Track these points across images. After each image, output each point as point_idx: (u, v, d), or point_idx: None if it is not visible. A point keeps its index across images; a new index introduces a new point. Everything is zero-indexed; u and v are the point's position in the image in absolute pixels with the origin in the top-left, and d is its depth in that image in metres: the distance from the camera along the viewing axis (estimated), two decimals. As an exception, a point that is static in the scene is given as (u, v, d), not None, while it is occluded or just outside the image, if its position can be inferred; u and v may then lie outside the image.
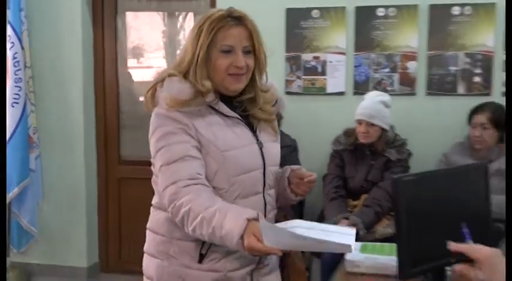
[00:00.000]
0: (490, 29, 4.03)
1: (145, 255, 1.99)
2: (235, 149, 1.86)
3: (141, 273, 1.98)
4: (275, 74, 4.24)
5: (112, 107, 4.91)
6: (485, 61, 4.07)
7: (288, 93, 4.27)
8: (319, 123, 4.16)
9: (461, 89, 4.13)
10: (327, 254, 3.58)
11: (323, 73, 4.29)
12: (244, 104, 1.96)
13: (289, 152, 3.90)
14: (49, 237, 4.82)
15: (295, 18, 4.26)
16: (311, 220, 4.06)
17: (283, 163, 3.86)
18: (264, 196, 1.95)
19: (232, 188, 1.86)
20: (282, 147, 4.13)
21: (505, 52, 4.00)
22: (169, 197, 1.74)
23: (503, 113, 3.77)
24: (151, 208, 2.00)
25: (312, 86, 4.30)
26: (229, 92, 1.89)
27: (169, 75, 1.85)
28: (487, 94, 4.06)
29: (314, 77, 4.30)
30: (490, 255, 1.36)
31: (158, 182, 1.83)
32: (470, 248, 1.42)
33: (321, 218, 3.89)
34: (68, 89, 4.71)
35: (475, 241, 2.25)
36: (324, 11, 4.22)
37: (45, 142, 4.63)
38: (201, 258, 1.83)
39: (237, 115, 1.92)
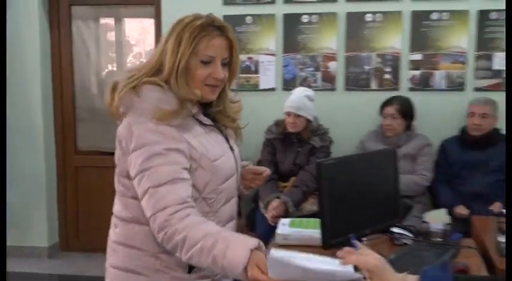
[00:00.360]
0: (397, 33, 4.12)
1: (116, 271, 1.67)
2: (221, 157, 1.68)
3: (96, 251, 1.84)
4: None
5: (68, 103, 4.84)
6: (393, 61, 4.15)
7: (226, 89, 4.25)
8: (253, 115, 4.14)
9: (373, 85, 4.21)
10: (260, 230, 3.62)
11: (256, 72, 4.31)
12: (212, 113, 1.76)
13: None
14: (13, 220, 4.65)
15: (231, 23, 4.20)
16: (247, 200, 4.12)
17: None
18: (236, 198, 1.85)
19: (220, 197, 1.70)
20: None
21: (410, 53, 4.12)
22: (160, 224, 1.47)
23: (409, 105, 3.89)
24: (119, 221, 1.68)
25: (246, 83, 4.32)
26: (196, 97, 1.64)
27: (145, 83, 1.59)
28: (396, 89, 4.15)
29: (248, 75, 4.32)
30: (376, 264, 1.34)
31: (144, 202, 1.52)
32: (358, 260, 1.36)
33: (255, 198, 3.94)
34: (29, 87, 4.62)
35: (387, 216, 2.32)
36: (256, 17, 4.24)
37: (9, 134, 4.51)
38: (191, 268, 1.62)
39: (212, 123, 1.74)
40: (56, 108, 4.82)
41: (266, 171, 1.95)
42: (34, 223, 4.76)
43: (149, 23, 4.69)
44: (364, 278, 1.38)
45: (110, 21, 4.80)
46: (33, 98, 4.63)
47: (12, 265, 4.52)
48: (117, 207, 1.69)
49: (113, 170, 1.74)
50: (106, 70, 4.90)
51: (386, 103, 3.91)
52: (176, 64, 1.56)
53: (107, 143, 4.57)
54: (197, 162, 1.59)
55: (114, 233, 1.70)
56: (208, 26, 1.59)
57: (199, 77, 1.60)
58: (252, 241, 1.45)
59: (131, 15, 4.76)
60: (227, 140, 1.78)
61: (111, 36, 4.81)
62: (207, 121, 1.71)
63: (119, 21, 4.78)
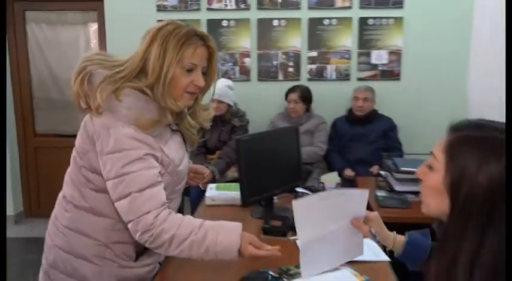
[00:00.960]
0: (297, 36, 4.16)
1: (63, 253, 1.47)
2: (182, 162, 1.53)
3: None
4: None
5: (26, 94, 4.62)
6: (295, 57, 4.20)
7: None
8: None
9: (280, 76, 4.24)
10: (193, 194, 3.60)
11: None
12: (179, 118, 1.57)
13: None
14: None
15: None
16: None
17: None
18: None
19: (174, 197, 1.56)
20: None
21: (308, 51, 4.19)
22: (145, 227, 1.33)
23: (308, 92, 3.95)
24: (73, 207, 1.47)
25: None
26: (179, 108, 1.46)
27: (127, 87, 1.36)
28: (298, 79, 4.20)
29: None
30: (376, 214, 1.37)
31: (123, 206, 1.34)
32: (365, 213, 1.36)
33: (188, 169, 3.90)
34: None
35: (292, 179, 2.37)
36: (186, 22, 4.14)
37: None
38: (137, 257, 1.49)
39: (178, 129, 1.57)
40: (15, 99, 4.60)
41: (207, 173, 1.86)
42: (0, 196, 4.53)
43: (93, 26, 4.51)
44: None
45: (59, 24, 4.55)
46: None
47: None
48: (73, 194, 1.46)
49: (67, 150, 1.56)
50: (59, 66, 4.65)
51: (290, 91, 3.96)
52: (164, 73, 1.36)
53: (61, 127, 4.49)
54: (165, 168, 1.43)
55: (65, 217, 1.48)
56: (192, 35, 1.41)
57: (182, 85, 1.41)
58: (237, 225, 1.40)
59: (77, 19, 4.54)
60: (184, 143, 1.62)
61: (61, 36, 4.56)
62: (174, 127, 1.55)
63: (66, 23, 4.55)
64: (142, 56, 1.38)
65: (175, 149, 1.49)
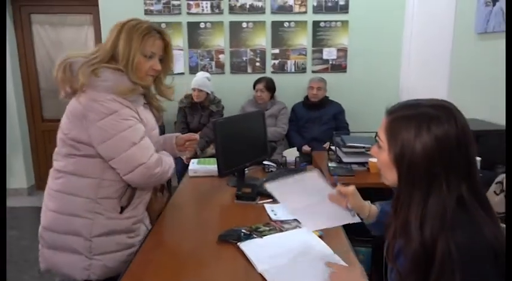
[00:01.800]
0: (263, 36, 4.12)
1: (55, 214, 1.44)
2: (154, 129, 1.56)
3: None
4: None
5: (34, 85, 4.46)
6: (261, 54, 4.16)
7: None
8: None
9: (249, 69, 4.19)
10: (178, 167, 3.56)
11: (170, 62, 4.15)
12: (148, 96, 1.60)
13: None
14: None
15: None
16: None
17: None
18: None
19: None
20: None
21: (271, 48, 4.15)
22: (156, 163, 1.41)
23: (272, 83, 3.93)
24: (63, 174, 1.44)
25: (164, 70, 4.15)
26: (145, 85, 1.51)
27: (104, 67, 1.38)
28: (263, 72, 4.17)
29: (165, 64, 4.15)
30: (353, 189, 1.23)
31: (129, 154, 1.36)
32: (342, 188, 1.24)
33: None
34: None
35: (260, 154, 2.37)
36: (169, 24, 4.04)
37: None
38: (122, 210, 1.46)
39: (147, 103, 1.59)
40: (25, 90, 4.44)
41: (195, 136, 1.83)
42: (15, 172, 4.42)
43: (88, 28, 4.35)
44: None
45: (60, 25, 4.38)
46: (6, 82, 4.19)
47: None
48: (62, 163, 1.44)
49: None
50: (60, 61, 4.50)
51: (257, 82, 3.93)
52: (131, 59, 1.40)
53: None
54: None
55: (56, 183, 1.46)
56: (152, 29, 1.45)
57: (143, 68, 1.44)
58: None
59: (75, 21, 4.38)
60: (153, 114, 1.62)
61: (62, 36, 4.40)
62: (145, 101, 1.57)
63: (67, 25, 4.38)
64: (111, 44, 1.42)
65: (148, 117, 1.53)
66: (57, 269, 1.47)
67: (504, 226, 1.00)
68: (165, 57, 1.54)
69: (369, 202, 1.29)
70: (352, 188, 1.24)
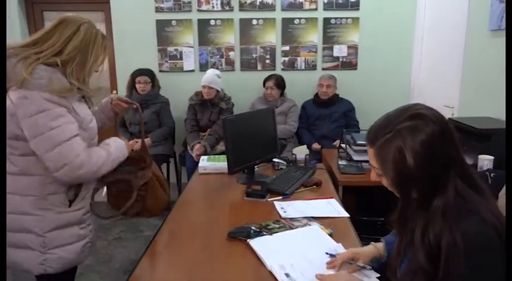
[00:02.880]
0: (273, 33, 4.10)
1: (13, 216, 1.40)
2: (92, 121, 1.51)
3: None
4: (151, 60, 4.10)
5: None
6: (271, 51, 4.15)
7: (161, 71, 4.09)
8: (180, 88, 4.06)
9: (259, 66, 4.18)
10: (189, 164, 3.58)
11: (181, 58, 4.14)
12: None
13: (164, 106, 3.82)
14: None
15: (161, 25, 4.05)
16: (179, 144, 4.06)
17: (159, 114, 3.67)
18: None
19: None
20: (159, 103, 4.00)
21: (281, 46, 4.14)
22: (81, 164, 1.36)
23: (282, 80, 3.93)
24: (12, 177, 1.40)
25: (174, 67, 4.15)
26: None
27: (41, 63, 1.33)
28: (273, 70, 4.15)
29: (175, 61, 4.14)
30: (354, 253, 1.24)
31: (55, 154, 1.33)
32: (341, 258, 1.25)
33: (184, 144, 3.88)
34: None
35: (270, 151, 2.37)
36: (179, 21, 4.05)
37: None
38: (70, 203, 1.45)
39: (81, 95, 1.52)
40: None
41: (135, 105, 1.72)
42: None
43: (100, 25, 4.38)
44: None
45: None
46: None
47: None
48: (6, 165, 1.41)
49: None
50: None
51: (267, 79, 3.92)
52: (90, 64, 1.42)
53: None
54: (80, 124, 1.42)
55: (10, 187, 1.41)
56: (105, 38, 1.51)
57: (90, 72, 1.46)
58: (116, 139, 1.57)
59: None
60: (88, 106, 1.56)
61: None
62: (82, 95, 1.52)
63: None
64: (63, 42, 1.38)
65: (83, 110, 1.48)
66: (17, 266, 1.47)
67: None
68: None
69: (372, 243, 1.28)
70: (350, 252, 1.24)
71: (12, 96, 1.32)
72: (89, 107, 1.55)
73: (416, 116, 0.95)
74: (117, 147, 1.54)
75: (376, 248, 1.27)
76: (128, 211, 1.61)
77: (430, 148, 0.91)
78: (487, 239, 0.87)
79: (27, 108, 1.30)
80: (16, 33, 4.18)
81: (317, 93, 3.95)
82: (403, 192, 0.97)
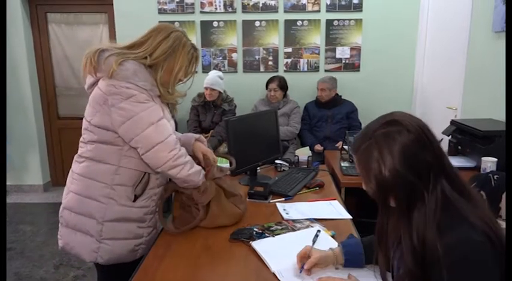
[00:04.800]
0: (276, 34, 4.10)
1: (76, 195, 1.50)
2: (170, 120, 1.54)
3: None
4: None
5: (50, 84, 4.51)
6: (274, 52, 4.15)
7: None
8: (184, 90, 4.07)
9: (262, 68, 4.18)
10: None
11: (183, 60, 4.16)
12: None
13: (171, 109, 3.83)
14: (15, 167, 4.46)
15: (165, 27, 4.07)
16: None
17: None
18: None
19: None
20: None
21: (284, 47, 4.14)
22: (172, 145, 1.42)
23: (285, 82, 3.92)
24: (85, 159, 1.49)
25: (177, 68, 4.17)
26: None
27: (130, 59, 1.42)
28: (276, 71, 4.16)
29: (178, 63, 4.16)
30: (315, 258, 1.22)
31: (149, 132, 1.39)
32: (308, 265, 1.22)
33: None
34: (20, 73, 4.28)
35: (272, 153, 2.37)
36: (182, 23, 4.06)
37: (8, 108, 4.16)
38: (135, 198, 1.49)
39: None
40: (41, 88, 4.49)
41: (213, 158, 1.69)
42: (31, 169, 4.50)
43: (103, 27, 4.40)
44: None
45: (76, 24, 4.42)
46: (22, 81, 4.29)
47: (19, 198, 4.37)
48: (84, 149, 1.50)
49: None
50: (77, 60, 4.53)
51: (270, 81, 3.91)
52: (173, 76, 1.50)
53: (80, 111, 4.26)
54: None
55: (79, 167, 1.50)
56: (195, 50, 1.56)
57: (175, 81, 1.54)
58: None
59: (90, 20, 4.42)
60: (169, 111, 1.62)
61: (78, 35, 4.45)
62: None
63: (82, 24, 4.43)
64: (154, 47, 1.47)
65: (166, 113, 1.53)
66: (70, 248, 1.53)
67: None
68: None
69: (330, 248, 1.27)
70: (313, 258, 1.21)
71: (101, 85, 1.41)
72: (171, 115, 1.62)
73: (391, 123, 0.95)
74: (195, 171, 1.51)
75: (333, 253, 1.25)
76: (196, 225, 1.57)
77: (405, 157, 0.90)
78: (475, 248, 0.84)
79: (116, 95, 1.37)
80: (20, 35, 4.20)
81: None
82: (382, 200, 0.96)
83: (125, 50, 1.45)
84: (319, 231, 1.42)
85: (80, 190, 1.49)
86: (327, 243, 1.40)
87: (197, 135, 1.72)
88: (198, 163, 1.61)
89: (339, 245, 1.28)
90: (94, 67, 1.41)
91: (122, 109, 1.38)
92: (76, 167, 1.53)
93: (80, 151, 1.53)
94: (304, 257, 1.24)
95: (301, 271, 1.22)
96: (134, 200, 1.49)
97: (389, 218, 0.98)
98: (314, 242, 1.33)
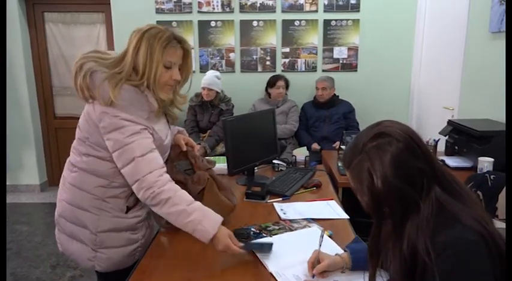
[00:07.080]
0: (273, 34, 4.10)
1: (67, 205, 1.48)
2: (167, 138, 1.50)
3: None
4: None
5: (46, 83, 4.50)
6: (271, 52, 4.15)
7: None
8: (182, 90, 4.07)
9: (259, 68, 4.18)
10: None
11: (181, 60, 4.16)
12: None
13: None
14: (13, 167, 4.44)
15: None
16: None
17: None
18: None
19: None
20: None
21: (282, 47, 4.14)
22: (150, 184, 1.31)
23: (288, 80, 3.94)
24: (78, 169, 1.45)
25: (175, 68, 4.17)
26: (166, 98, 1.45)
27: (125, 83, 1.34)
28: (274, 71, 4.16)
29: (176, 63, 4.16)
30: (325, 264, 1.23)
31: (129, 169, 1.32)
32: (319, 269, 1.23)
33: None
34: (17, 73, 4.27)
35: (270, 152, 2.37)
36: (179, 22, 4.06)
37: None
38: (128, 210, 1.47)
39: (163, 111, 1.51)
40: (37, 87, 4.48)
41: (196, 147, 1.68)
42: (28, 168, 4.49)
43: (101, 26, 4.38)
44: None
45: (73, 23, 4.41)
46: (19, 80, 4.28)
47: (16, 198, 4.35)
48: (78, 159, 1.45)
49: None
50: (73, 59, 4.55)
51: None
52: (153, 71, 1.35)
53: (76, 111, 4.39)
54: (155, 142, 1.40)
55: (71, 177, 1.47)
56: (173, 39, 1.40)
57: (163, 79, 1.39)
58: (219, 218, 1.34)
59: (88, 20, 4.41)
60: (167, 121, 1.57)
61: (75, 34, 4.44)
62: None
63: (79, 23, 4.42)
64: (132, 55, 1.36)
65: (162, 128, 1.48)
66: (69, 254, 1.54)
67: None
68: (184, 66, 1.50)
69: (337, 253, 1.28)
70: (327, 264, 1.22)
71: (97, 108, 1.35)
72: (168, 122, 1.56)
73: (380, 135, 0.94)
74: (206, 228, 1.30)
75: (342, 259, 1.25)
76: None
77: (397, 167, 0.90)
78: (469, 247, 0.84)
79: (108, 124, 1.33)
80: (16, 34, 4.19)
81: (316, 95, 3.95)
82: (376, 212, 0.96)
83: (115, 70, 1.36)
84: (323, 231, 1.41)
85: (71, 199, 1.47)
86: (327, 244, 1.40)
87: (181, 129, 1.70)
88: (180, 152, 1.59)
89: (345, 250, 1.28)
90: (87, 86, 1.35)
91: (110, 139, 1.34)
92: (68, 174, 1.50)
93: (73, 159, 1.49)
94: (314, 262, 1.24)
95: (313, 276, 1.21)
96: (126, 212, 1.47)
97: (383, 231, 0.98)
98: (320, 245, 1.32)
